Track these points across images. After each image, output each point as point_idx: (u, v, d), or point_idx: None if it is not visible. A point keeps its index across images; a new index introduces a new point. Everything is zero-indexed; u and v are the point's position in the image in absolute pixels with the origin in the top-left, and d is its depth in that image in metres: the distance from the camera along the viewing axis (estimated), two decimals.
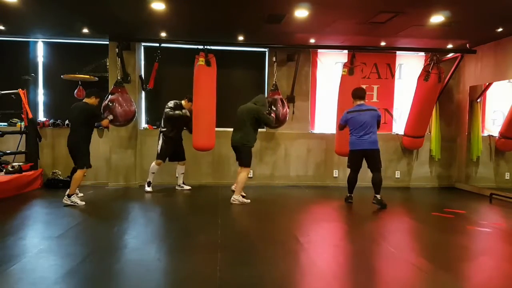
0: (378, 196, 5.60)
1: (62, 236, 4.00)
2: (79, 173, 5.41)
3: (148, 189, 6.34)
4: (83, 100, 5.61)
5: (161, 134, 6.34)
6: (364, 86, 7.25)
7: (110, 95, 6.27)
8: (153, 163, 6.36)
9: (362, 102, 5.66)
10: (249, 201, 5.65)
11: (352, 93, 5.75)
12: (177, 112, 6.24)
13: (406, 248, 4.02)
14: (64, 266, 3.20)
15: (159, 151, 6.34)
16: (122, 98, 6.27)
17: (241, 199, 5.62)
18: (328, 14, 5.22)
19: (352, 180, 5.84)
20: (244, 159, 5.65)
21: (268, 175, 7.16)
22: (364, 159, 5.68)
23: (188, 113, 6.36)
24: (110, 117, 6.06)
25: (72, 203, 5.32)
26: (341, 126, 5.86)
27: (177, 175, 6.70)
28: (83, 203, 5.38)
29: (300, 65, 7.05)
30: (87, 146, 5.52)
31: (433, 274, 3.21)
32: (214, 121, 6.30)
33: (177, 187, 6.72)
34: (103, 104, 6.18)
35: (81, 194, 5.86)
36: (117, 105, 6.17)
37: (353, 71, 6.52)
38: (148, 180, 6.39)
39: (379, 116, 5.61)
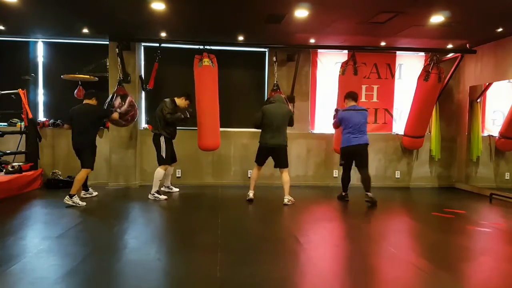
0: (370, 194, 5.66)
1: (62, 236, 4.00)
2: (82, 173, 5.40)
3: (162, 197, 5.83)
4: (84, 102, 5.61)
5: (161, 136, 5.84)
6: (364, 86, 7.32)
7: (126, 98, 6.17)
8: (160, 170, 5.83)
9: (354, 103, 5.84)
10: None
11: (346, 94, 5.95)
12: (178, 114, 5.89)
13: (406, 248, 4.02)
14: (64, 266, 3.20)
15: (164, 156, 5.82)
16: (133, 99, 6.37)
17: (292, 199, 5.71)
18: (328, 14, 5.22)
19: (345, 179, 5.99)
20: (286, 160, 5.74)
21: (268, 175, 7.14)
22: (353, 157, 5.79)
23: (188, 114, 6.05)
24: (118, 110, 6.00)
25: (73, 204, 5.28)
26: (336, 124, 6.02)
27: (165, 177, 6.30)
28: (84, 203, 5.35)
29: (300, 65, 7.04)
30: (95, 147, 5.66)
31: (433, 274, 3.21)
32: (219, 120, 6.33)
33: (165, 189, 6.40)
34: (122, 109, 6.07)
35: (96, 193, 6.04)
36: (136, 107, 6.30)
37: (345, 71, 6.61)
38: (155, 189, 5.84)
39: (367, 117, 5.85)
